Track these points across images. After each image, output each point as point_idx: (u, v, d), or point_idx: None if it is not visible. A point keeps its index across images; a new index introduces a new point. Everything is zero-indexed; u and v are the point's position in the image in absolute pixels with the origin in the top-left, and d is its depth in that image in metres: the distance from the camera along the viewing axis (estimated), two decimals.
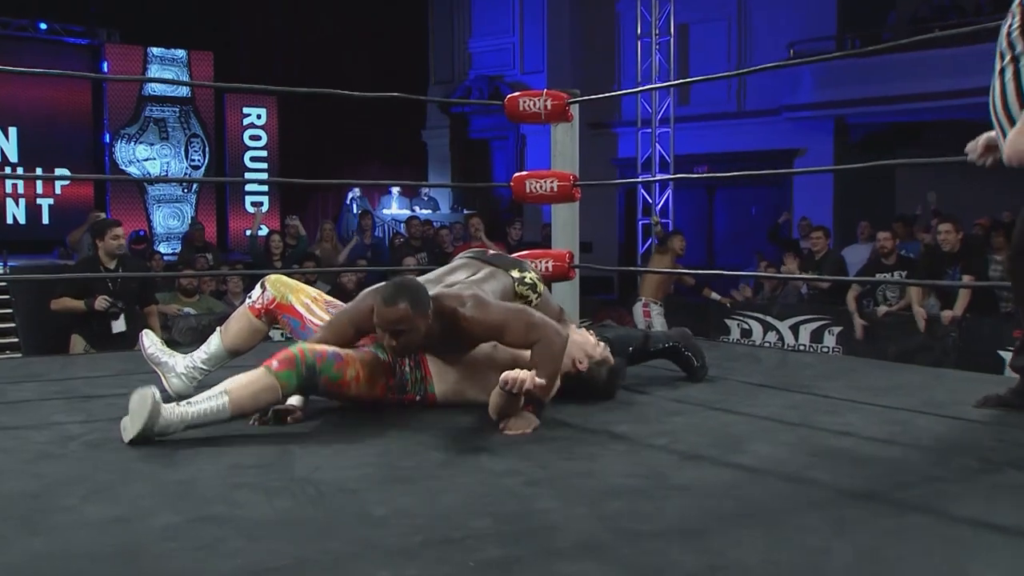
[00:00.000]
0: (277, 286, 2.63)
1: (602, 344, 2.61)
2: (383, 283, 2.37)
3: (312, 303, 2.61)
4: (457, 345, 2.38)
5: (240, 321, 2.64)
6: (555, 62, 12.83)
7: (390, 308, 2.23)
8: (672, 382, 2.98)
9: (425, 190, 12.98)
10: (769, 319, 7.21)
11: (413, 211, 12.34)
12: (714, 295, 7.76)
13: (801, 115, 11.14)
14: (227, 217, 12.96)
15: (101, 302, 4.58)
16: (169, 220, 12.02)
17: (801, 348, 6.70)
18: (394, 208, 12.30)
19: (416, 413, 2.38)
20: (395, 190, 12.70)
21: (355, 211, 11.75)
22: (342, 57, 12.98)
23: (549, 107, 3.97)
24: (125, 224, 10.97)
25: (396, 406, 2.40)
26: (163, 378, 2.59)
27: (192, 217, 11.70)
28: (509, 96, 4.01)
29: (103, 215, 8.38)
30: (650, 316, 7.31)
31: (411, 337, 2.26)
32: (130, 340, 4.42)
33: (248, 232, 11.91)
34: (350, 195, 12.12)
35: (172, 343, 4.33)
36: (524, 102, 3.95)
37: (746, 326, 7.43)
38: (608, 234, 11.62)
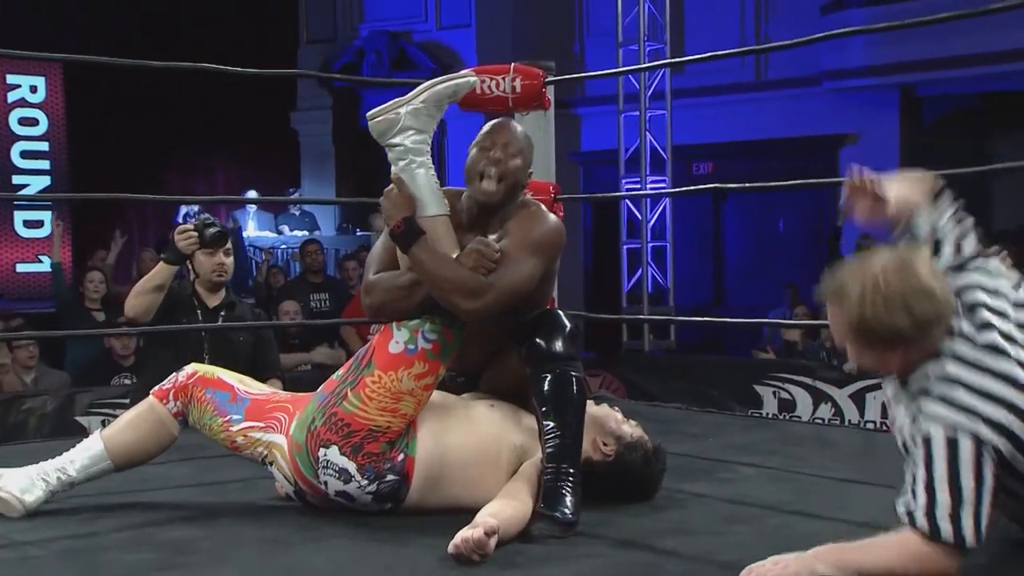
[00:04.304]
0: (202, 366, 2.88)
1: (632, 421, 2.82)
2: None
3: (246, 379, 2.85)
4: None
5: (134, 411, 2.80)
6: (487, 12, 13.10)
7: (507, 123, 2.90)
8: (714, 475, 3.21)
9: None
10: (819, 384, 7.44)
11: (280, 231, 12.47)
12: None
13: (851, 84, 11.31)
14: None
15: (181, 243, 4.14)
16: None
17: (870, 426, 6.94)
18: (251, 228, 12.39)
19: (377, 531, 2.55)
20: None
21: None
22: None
23: (519, 89, 4.19)
24: None
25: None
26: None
27: None
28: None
29: None
30: None
31: (519, 174, 2.83)
32: None
33: (21, 267, 11.77)
34: (184, 208, 12.13)
35: None
36: (483, 82, 4.16)
37: (786, 395, 7.61)
38: (570, 263, 11.76)
